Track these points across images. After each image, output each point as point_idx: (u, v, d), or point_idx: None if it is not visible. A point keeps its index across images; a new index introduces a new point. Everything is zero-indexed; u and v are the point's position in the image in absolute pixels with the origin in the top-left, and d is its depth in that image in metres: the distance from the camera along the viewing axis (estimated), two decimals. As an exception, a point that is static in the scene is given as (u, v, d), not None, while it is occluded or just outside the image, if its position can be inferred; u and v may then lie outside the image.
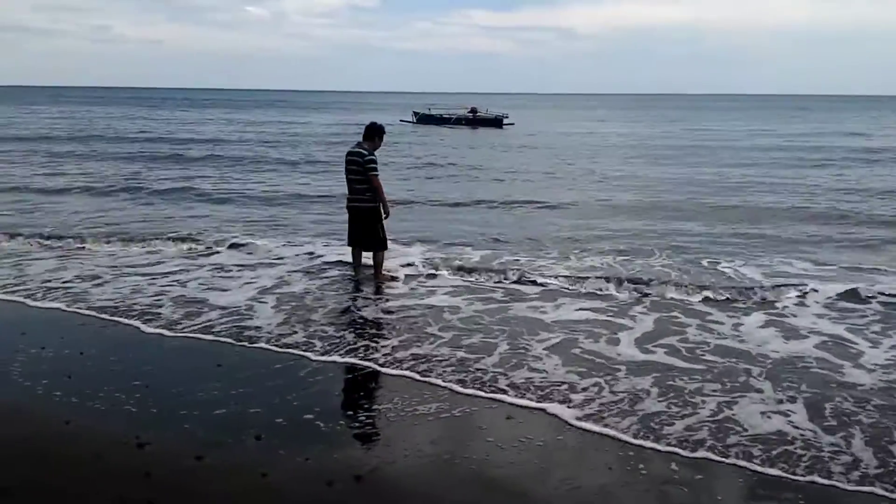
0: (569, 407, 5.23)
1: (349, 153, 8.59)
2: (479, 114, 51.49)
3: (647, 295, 8.20)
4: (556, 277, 8.84)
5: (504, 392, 5.53)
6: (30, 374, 5.73)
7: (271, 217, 13.80)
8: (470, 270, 9.21)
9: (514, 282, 8.76)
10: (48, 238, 11.08)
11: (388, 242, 8.85)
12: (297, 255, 10.10)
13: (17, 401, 5.25)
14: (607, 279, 8.67)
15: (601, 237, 11.78)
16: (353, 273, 8.97)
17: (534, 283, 8.68)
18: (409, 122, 51.96)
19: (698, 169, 22.99)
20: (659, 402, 5.33)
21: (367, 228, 8.64)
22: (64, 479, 4.14)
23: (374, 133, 8.58)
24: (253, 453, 4.52)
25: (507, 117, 50.86)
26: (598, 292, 8.32)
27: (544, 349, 6.43)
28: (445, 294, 8.22)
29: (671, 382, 5.69)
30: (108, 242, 10.90)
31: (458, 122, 50.11)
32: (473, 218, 13.99)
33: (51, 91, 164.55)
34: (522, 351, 6.38)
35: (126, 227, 12.31)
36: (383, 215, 8.57)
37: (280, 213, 14.28)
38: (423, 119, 50.29)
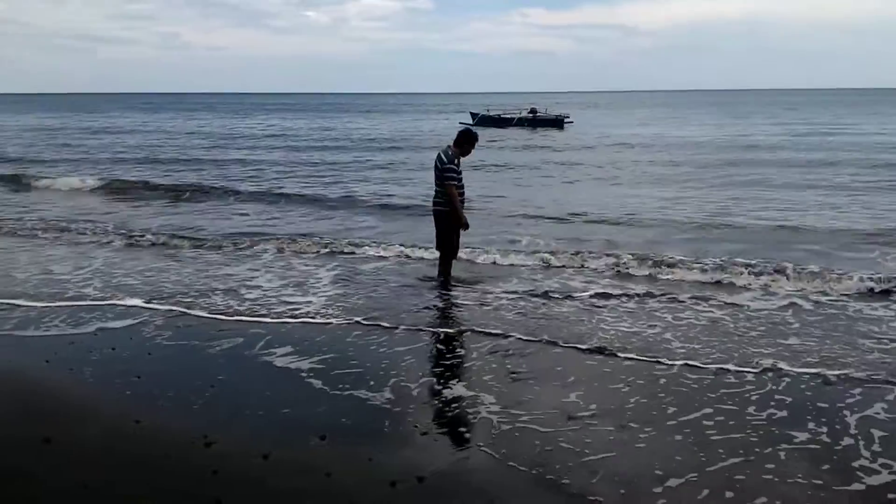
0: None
1: (437, 156, 8.52)
2: (539, 114, 50.92)
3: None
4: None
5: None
6: (102, 375, 5.89)
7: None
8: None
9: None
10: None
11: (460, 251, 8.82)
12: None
13: (89, 400, 5.39)
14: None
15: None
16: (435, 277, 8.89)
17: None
18: (468, 124, 51.70)
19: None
20: None
21: (441, 233, 8.61)
22: (134, 478, 4.21)
23: (463, 139, 8.45)
24: (318, 453, 4.55)
25: (567, 117, 50.27)
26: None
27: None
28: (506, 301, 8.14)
29: None
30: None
31: (520, 122, 49.58)
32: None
33: (129, 98, 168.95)
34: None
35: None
36: (461, 224, 8.44)
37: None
38: (483, 120, 49.33)
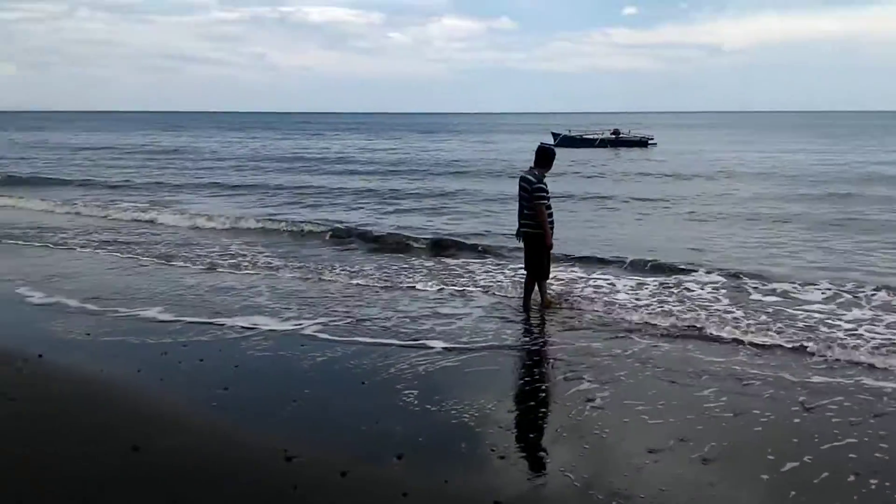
0: (720, 441, 4.95)
1: (521, 178, 8.51)
2: (621, 135, 50.36)
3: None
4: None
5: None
6: (190, 386, 6.09)
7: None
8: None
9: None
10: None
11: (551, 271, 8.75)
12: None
13: (178, 410, 5.57)
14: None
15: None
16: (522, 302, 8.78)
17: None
18: (549, 144, 51.31)
19: None
20: None
21: (531, 255, 8.56)
22: (214, 488, 4.32)
23: (543, 158, 8.45)
24: (394, 472, 4.57)
25: (651, 138, 49.53)
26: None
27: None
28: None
29: None
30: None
31: (602, 143, 49.10)
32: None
33: (221, 117, 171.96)
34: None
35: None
36: (549, 245, 8.37)
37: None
38: (564, 141, 48.94)
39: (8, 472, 4.43)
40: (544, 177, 8.37)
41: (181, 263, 11.54)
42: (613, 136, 50.07)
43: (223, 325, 7.84)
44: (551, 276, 8.92)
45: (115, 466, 4.53)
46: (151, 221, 16.49)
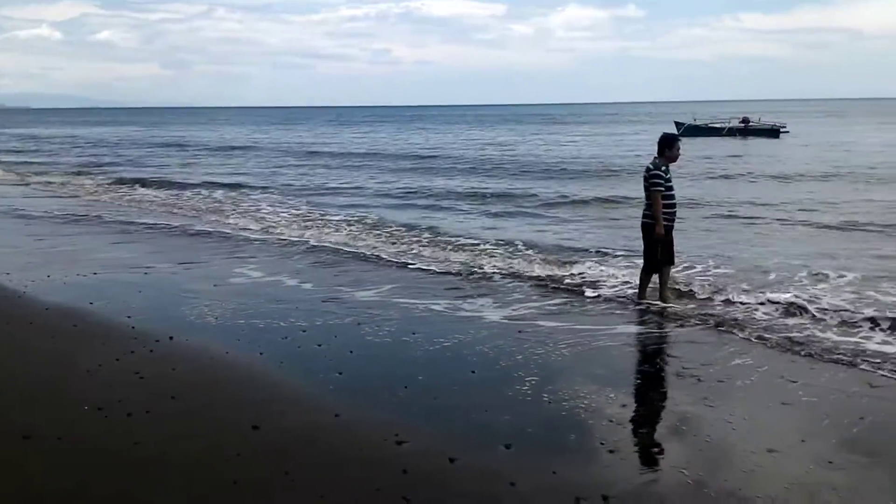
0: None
1: (645, 167, 8.45)
2: (751, 123, 48.13)
3: None
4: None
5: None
6: (307, 370, 6.31)
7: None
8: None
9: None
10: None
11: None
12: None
13: (295, 392, 5.79)
14: None
15: None
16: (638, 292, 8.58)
17: None
18: (673, 134, 49.70)
19: None
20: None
21: (647, 245, 8.38)
22: (327, 468, 4.46)
23: (662, 146, 8.34)
24: (502, 460, 4.57)
25: (784, 127, 47.11)
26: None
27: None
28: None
29: None
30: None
31: (730, 132, 47.10)
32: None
33: (339, 110, 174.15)
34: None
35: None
36: (661, 233, 8.16)
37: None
38: (690, 130, 46.99)
39: (134, 446, 4.71)
40: (665, 165, 8.21)
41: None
42: (742, 125, 47.89)
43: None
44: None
45: (235, 444, 4.75)
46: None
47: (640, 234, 8.45)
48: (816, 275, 9.34)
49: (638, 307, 8.27)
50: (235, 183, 23.88)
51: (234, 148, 44.79)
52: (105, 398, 5.41)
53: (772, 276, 9.36)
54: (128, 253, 11.77)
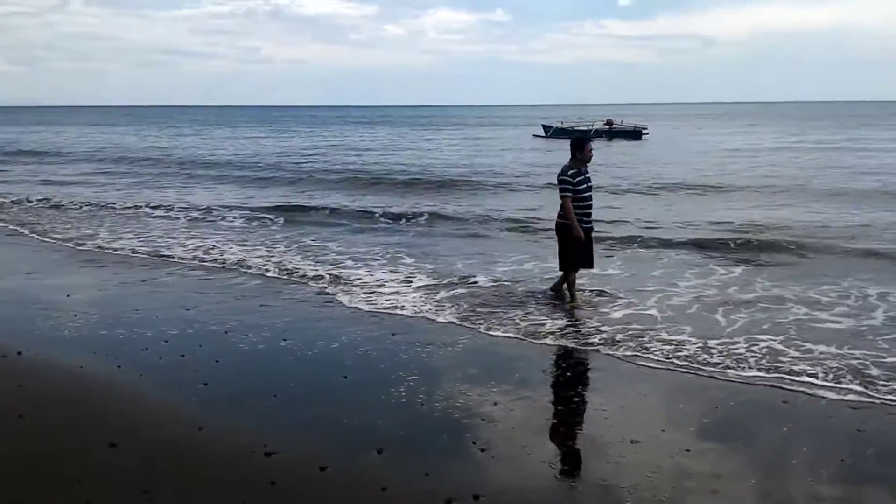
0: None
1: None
2: (615, 126, 50.10)
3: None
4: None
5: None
6: (169, 382, 6.01)
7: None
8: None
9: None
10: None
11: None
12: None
13: (156, 406, 5.49)
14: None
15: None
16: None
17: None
18: (541, 136, 51.18)
19: None
20: None
21: (561, 246, 8.45)
22: (194, 483, 4.27)
23: (573, 148, 8.40)
24: (374, 466, 4.51)
25: (645, 128, 49.33)
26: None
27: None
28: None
29: None
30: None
31: (596, 134, 48.72)
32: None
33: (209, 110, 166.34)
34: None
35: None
36: (576, 235, 8.18)
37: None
38: (557, 133, 48.21)
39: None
40: (574, 168, 8.27)
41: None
42: (607, 127, 49.73)
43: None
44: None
45: (91, 463, 4.46)
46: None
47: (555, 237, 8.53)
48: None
49: (575, 308, 8.22)
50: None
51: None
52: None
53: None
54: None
